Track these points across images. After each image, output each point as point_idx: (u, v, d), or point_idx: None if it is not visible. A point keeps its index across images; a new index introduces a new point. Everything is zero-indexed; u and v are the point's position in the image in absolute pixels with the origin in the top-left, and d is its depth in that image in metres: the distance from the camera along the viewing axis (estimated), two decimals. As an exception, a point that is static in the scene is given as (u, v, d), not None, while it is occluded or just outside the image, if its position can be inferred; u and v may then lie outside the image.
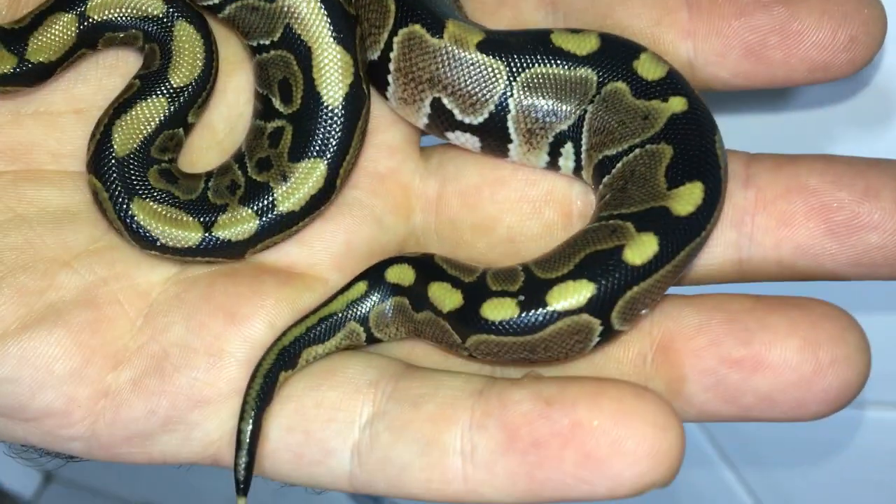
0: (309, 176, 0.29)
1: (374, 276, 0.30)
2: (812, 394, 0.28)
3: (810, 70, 0.28)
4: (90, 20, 0.29)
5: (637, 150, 0.29)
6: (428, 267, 0.30)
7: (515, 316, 0.28)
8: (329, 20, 0.28)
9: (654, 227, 0.28)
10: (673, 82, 0.29)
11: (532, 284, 0.28)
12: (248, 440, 0.28)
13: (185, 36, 0.29)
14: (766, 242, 0.30)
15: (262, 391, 0.28)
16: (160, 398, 0.31)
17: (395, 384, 0.30)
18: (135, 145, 0.29)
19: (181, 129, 0.30)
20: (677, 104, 0.28)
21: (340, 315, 0.30)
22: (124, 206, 0.29)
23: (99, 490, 1.17)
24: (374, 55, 0.30)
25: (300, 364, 0.30)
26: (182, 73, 0.29)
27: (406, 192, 0.32)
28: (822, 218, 0.29)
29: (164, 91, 0.29)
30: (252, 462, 0.29)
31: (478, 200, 0.32)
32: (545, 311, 0.28)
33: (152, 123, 0.29)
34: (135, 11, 0.29)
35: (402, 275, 0.30)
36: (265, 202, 0.29)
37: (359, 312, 0.30)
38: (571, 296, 0.28)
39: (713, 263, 0.30)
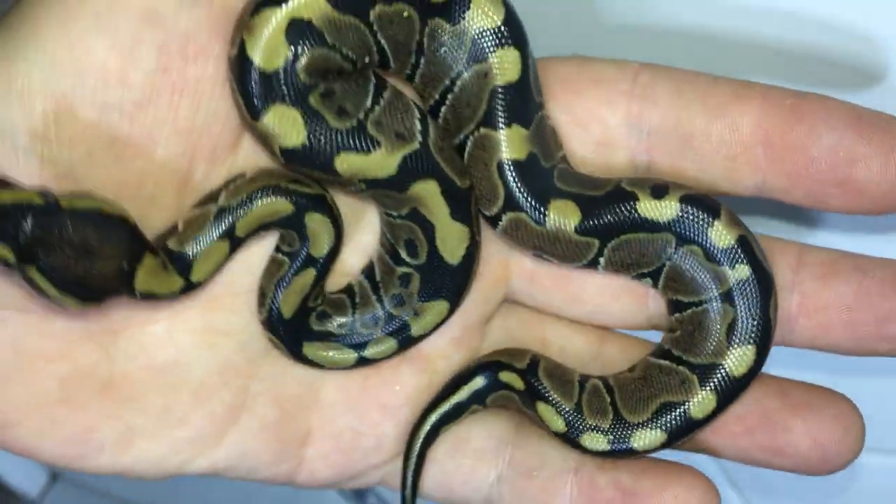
0: (435, 312, 0.37)
1: (489, 374, 0.38)
2: (816, 470, 0.37)
3: (859, 212, 0.33)
4: (238, 238, 0.34)
5: (705, 305, 0.34)
6: (535, 382, 0.37)
7: (607, 449, 0.36)
8: (447, 205, 0.33)
9: (715, 386, 0.35)
10: (741, 251, 0.33)
11: (619, 425, 0.36)
12: (412, 481, 0.39)
13: (315, 222, 0.34)
14: (803, 338, 0.36)
15: (415, 470, 0.38)
16: (342, 467, 0.40)
17: (511, 452, 0.39)
18: (296, 307, 0.36)
19: (317, 288, 0.37)
20: (742, 272, 0.33)
21: (465, 401, 0.38)
22: (300, 353, 0.37)
23: (104, 491, 1.18)
24: (489, 214, 0.35)
25: (439, 435, 0.39)
26: (319, 247, 0.35)
27: (506, 266, 0.39)
28: (852, 332, 0.35)
29: (310, 263, 0.35)
30: None
31: (566, 284, 0.38)
32: (629, 448, 0.36)
33: (307, 288, 0.36)
34: (271, 217, 0.34)
35: (513, 380, 0.37)
36: (402, 331, 0.37)
37: (478, 398, 0.38)
38: (649, 441, 0.36)
39: None
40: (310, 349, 0.37)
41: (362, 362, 0.38)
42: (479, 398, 0.38)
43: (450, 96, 0.33)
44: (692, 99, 0.34)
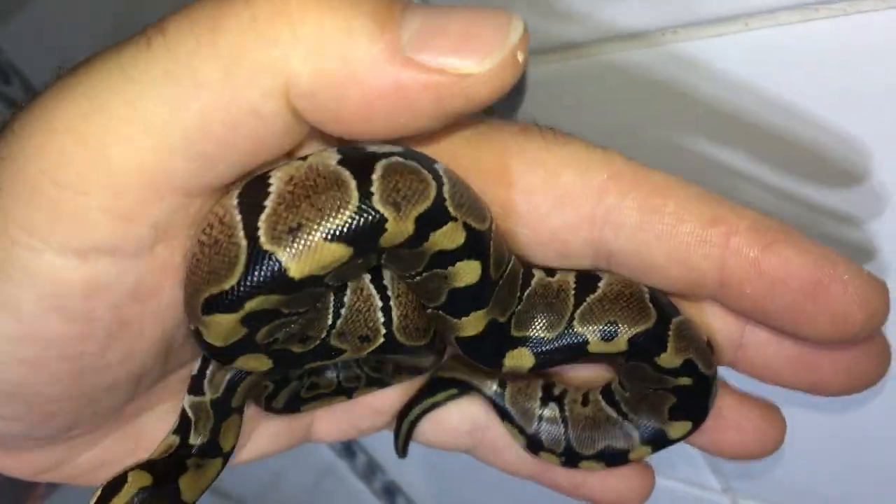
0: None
1: (462, 389, 0.44)
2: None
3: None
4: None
5: (651, 390, 0.38)
6: (502, 408, 0.43)
7: (561, 461, 0.42)
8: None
9: (651, 443, 0.40)
10: (686, 368, 0.36)
11: (571, 454, 0.42)
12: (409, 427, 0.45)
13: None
14: (747, 368, 0.38)
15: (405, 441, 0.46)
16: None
17: (482, 434, 0.45)
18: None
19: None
20: (685, 381, 0.37)
21: (441, 402, 0.45)
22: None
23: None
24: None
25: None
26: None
27: None
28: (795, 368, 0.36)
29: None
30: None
31: None
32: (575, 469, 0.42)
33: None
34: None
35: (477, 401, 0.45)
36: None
37: (452, 397, 0.45)
38: (592, 467, 0.42)
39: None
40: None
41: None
42: (452, 397, 0.45)
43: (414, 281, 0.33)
44: (657, 236, 0.32)
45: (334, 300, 0.33)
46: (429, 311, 0.34)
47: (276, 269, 0.28)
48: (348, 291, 0.33)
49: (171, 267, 0.31)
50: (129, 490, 0.32)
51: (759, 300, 0.32)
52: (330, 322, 0.33)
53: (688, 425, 0.39)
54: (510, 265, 0.33)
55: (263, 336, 0.31)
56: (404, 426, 0.45)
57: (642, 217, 0.32)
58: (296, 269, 0.28)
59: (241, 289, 0.28)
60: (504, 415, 0.43)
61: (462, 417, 0.46)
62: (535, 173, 0.33)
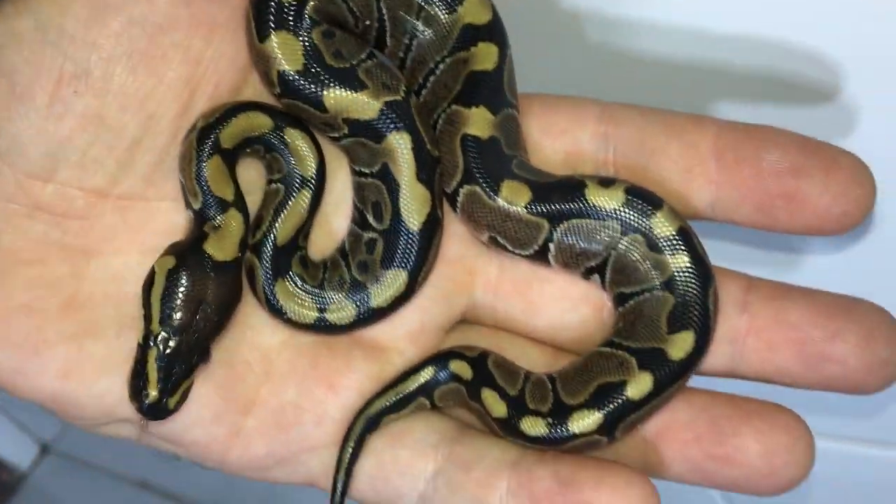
0: (394, 282, 0.37)
1: (440, 364, 0.38)
2: (766, 485, 0.36)
3: (807, 229, 0.35)
4: (227, 150, 0.35)
5: (647, 294, 0.36)
6: (483, 370, 0.38)
7: (546, 433, 0.37)
8: (416, 163, 0.35)
9: (652, 368, 0.36)
10: (681, 241, 0.35)
11: (558, 408, 0.37)
12: (340, 488, 0.37)
13: (296, 138, 0.35)
14: (752, 360, 0.37)
15: (353, 452, 0.38)
16: (278, 444, 0.39)
17: (451, 447, 0.38)
18: (290, 235, 0.36)
19: (311, 219, 0.37)
20: (681, 261, 0.35)
21: (412, 392, 0.38)
22: (272, 285, 0.36)
23: (95, 465, 1.20)
24: (448, 190, 0.37)
25: (380, 427, 0.38)
26: (306, 166, 0.36)
27: (471, 273, 0.39)
28: (798, 350, 0.36)
29: (304, 184, 0.36)
30: (343, 500, 0.38)
31: (527, 290, 0.39)
32: (567, 432, 0.36)
33: (304, 212, 0.36)
34: (253, 131, 0.35)
35: (462, 369, 0.38)
36: (362, 299, 0.37)
37: (426, 390, 0.38)
38: (586, 423, 0.36)
39: (710, 367, 0.38)
40: (281, 288, 0.36)
41: (321, 325, 0.37)
42: (426, 390, 0.38)
43: (431, 79, 0.36)
44: (654, 122, 0.37)
45: (371, 48, 0.36)
46: (437, 113, 0.35)
47: None
48: (380, 56, 0.36)
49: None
50: (159, 279, 0.33)
51: (751, 161, 0.35)
52: (364, 56, 0.35)
53: (689, 337, 0.35)
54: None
55: (313, 9, 0.34)
56: (350, 440, 0.38)
57: (641, 113, 0.37)
58: None
59: None
60: (485, 380, 0.38)
61: (427, 428, 0.39)
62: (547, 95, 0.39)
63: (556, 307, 0.39)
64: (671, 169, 0.36)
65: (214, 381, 0.37)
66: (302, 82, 0.34)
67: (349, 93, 0.34)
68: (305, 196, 0.36)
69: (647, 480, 0.35)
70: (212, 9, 0.35)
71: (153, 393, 0.33)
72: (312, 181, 0.36)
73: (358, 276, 0.37)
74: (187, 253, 0.34)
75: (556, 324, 0.39)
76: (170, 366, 0.33)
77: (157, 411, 0.33)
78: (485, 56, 0.35)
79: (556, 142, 0.38)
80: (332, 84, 0.34)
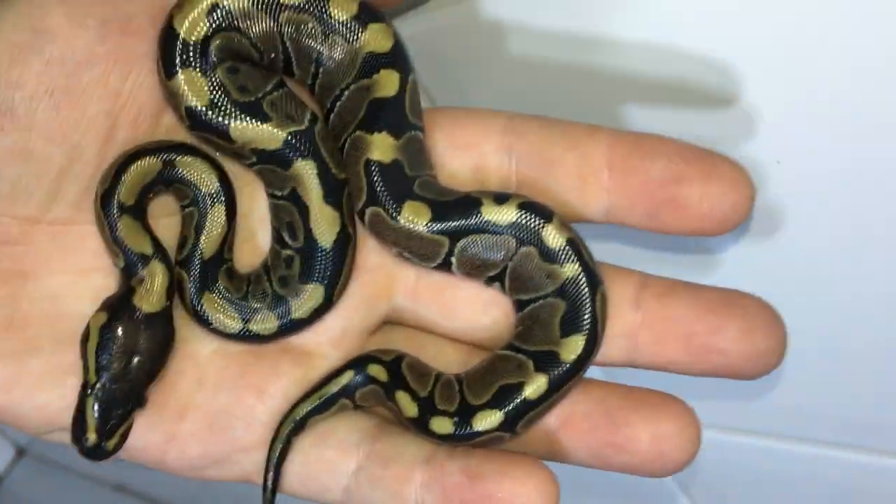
0: (313, 295, 0.39)
1: (358, 367, 0.41)
2: (656, 468, 0.40)
3: (692, 231, 0.38)
4: (130, 207, 0.38)
5: (542, 301, 0.39)
6: (397, 373, 0.40)
7: (452, 432, 0.40)
8: (322, 188, 0.37)
9: (546, 370, 0.39)
10: (569, 251, 0.38)
11: (464, 408, 0.40)
12: (270, 486, 0.40)
13: (188, 165, 0.38)
14: (646, 353, 0.40)
15: (281, 452, 0.40)
16: (212, 446, 0.42)
17: (371, 445, 0.41)
18: (216, 248, 0.39)
19: (231, 230, 0.40)
20: (570, 270, 0.38)
21: (335, 394, 0.41)
22: (199, 297, 0.39)
23: (71, 468, 1.20)
24: (357, 209, 0.39)
25: (307, 427, 0.41)
26: (209, 184, 0.38)
27: (391, 279, 0.42)
28: (685, 343, 0.39)
29: (213, 199, 0.38)
30: (273, 499, 0.41)
31: (442, 294, 0.42)
32: (471, 431, 0.39)
33: (223, 225, 0.38)
34: (148, 177, 0.38)
35: (378, 372, 0.41)
36: (284, 311, 0.40)
37: (347, 392, 0.41)
38: (489, 422, 0.39)
39: (609, 359, 0.41)
40: (207, 300, 0.39)
41: (246, 335, 0.40)
42: (347, 392, 0.41)
43: (338, 104, 0.38)
44: (554, 133, 0.39)
45: (277, 81, 0.38)
46: (344, 138, 0.37)
47: None
48: (287, 87, 0.38)
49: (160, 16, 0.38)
50: (93, 334, 0.36)
51: (640, 170, 0.38)
52: (268, 89, 0.38)
53: (580, 340, 0.38)
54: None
55: (217, 48, 0.36)
56: (283, 432, 0.40)
57: (542, 125, 0.40)
58: None
59: None
60: (399, 382, 0.40)
61: (349, 428, 0.42)
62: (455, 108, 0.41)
63: (469, 310, 0.42)
64: (568, 179, 0.39)
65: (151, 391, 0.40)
66: (209, 116, 0.37)
67: (254, 124, 0.37)
68: (219, 210, 0.38)
69: (546, 470, 0.38)
70: (128, 43, 0.37)
71: (92, 437, 0.36)
72: (220, 194, 0.38)
73: (279, 289, 0.39)
74: (118, 308, 0.37)
75: (471, 325, 0.42)
76: (106, 412, 0.36)
77: (96, 453, 0.36)
78: (386, 83, 0.37)
79: (463, 156, 0.40)
80: (237, 117, 0.37)
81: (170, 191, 0.39)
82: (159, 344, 0.37)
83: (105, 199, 0.37)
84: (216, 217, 0.38)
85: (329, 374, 0.41)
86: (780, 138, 0.41)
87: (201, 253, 0.38)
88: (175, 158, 0.38)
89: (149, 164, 0.37)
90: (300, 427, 0.40)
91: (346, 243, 0.38)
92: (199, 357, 0.41)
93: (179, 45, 0.36)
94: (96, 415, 0.36)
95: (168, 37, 0.36)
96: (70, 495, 1.21)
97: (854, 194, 0.40)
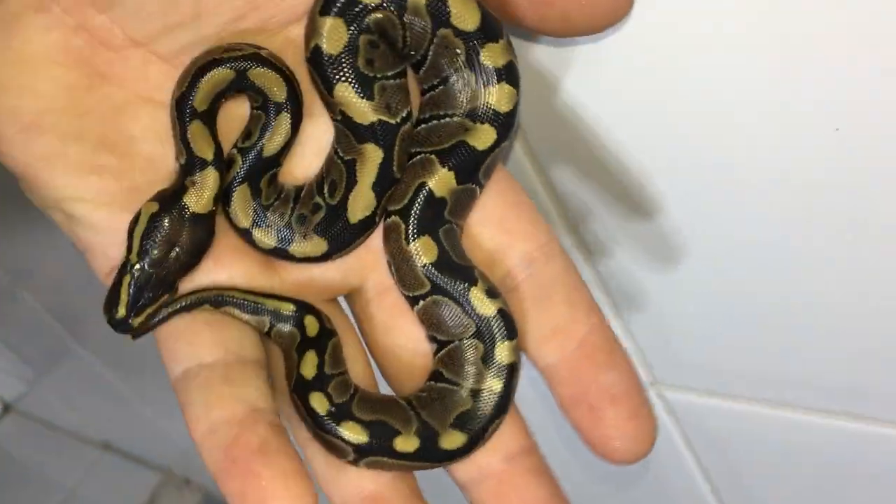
0: (316, 247, 0.41)
1: (302, 310, 0.40)
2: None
3: (594, 444, 0.37)
4: (203, 112, 0.39)
5: (455, 389, 0.39)
6: (321, 340, 0.39)
7: (322, 412, 0.38)
8: (376, 176, 0.39)
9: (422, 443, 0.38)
10: (504, 372, 0.39)
11: (343, 409, 0.38)
12: (157, 320, 0.39)
13: (259, 76, 0.38)
14: None
15: (185, 306, 0.39)
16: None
17: (235, 360, 0.38)
18: (277, 149, 0.40)
19: (294, 138, 0.40)
20: (494, 385, 0.39)
21: (266, 311, 0.40)
22: (238, 185, 0.40)
23: (57, 426, 1.21)
24: (389, 207, 0.39)
25: (220, 309, 0.40)
26: (277, 94, 0.39)
27: (376, 264, 0.41)
28: None
29: (279, 108, 0.39)
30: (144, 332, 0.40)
31: (398, 312, 0.41)
32: (335, 429, 0.38)
33: (286, 131, 0.39)
34: (222, 85, 0.38)
35: (311, 326, 0.40)
36: (285, 239, 0.41)
37: (277, 318, 0.40)
38: (350, 431, 0.38)
39: None
40: (242, 191, 0.40)
41: (246, 234, 0.40)
42: (277, 318, 0.40)
43: (436, 122, 0.39)
44: (564, 287, 0.39)
45: (401, 72, 0.38)
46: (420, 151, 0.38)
47: None
48: (406, 84, 0.38)
49: None
50: (143, 220, 0.38)
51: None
52: (389, 74, 0.38)
53: (460, 437, 0.37)
54: None
55: (373, 21, 0.37)
56: (194, 297, 0.39)
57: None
58: None
59: None
60: (317, 346, 0.40)
61: (239, 333, 0.39)
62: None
63: (402, 342, 0.41)
64: (541, 321, 0.39)
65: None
66: (327, 65, 0.38)
67: (356, 97, 0.38)
68: (285, 118, 0.39)
69: (308, 483, 0.35)
70: None
71: (122, 311, 0.38)
72: (287, 104, 0.39)
73: (294, 222, 0.40)
74: (169, 202, 0.39)
75: (393, 355, 0.41)
76: (139, 292, 0.39)
77: (122, 327, 0.38)
78: (483, 136, 0.37)
79: (496, 235, 0.40)
80: (348, 81, 0.38)
81: (244, 94, 0.40)
82: (199, 243, 0.40)
83: (180, 102, 0.38)
84: (281, 123, 0.39)
85: (275, 294, 0.40)
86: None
87: (260, 148, 0.40)
88: (248, 68, 0.39)
89: (223, 73, 0.38)
90: (218, 304, 0.40)
91: (367, 226, 0.39)
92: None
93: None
94: (130, 292, 0.38)
95: None
96: (56, 452, 1.21)
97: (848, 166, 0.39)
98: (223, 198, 0.40)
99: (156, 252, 0.39)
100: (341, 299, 0.42)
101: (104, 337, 0.66)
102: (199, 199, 0.39)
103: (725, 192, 0.39)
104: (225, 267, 0.40)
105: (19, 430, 1.22)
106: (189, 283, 0.39)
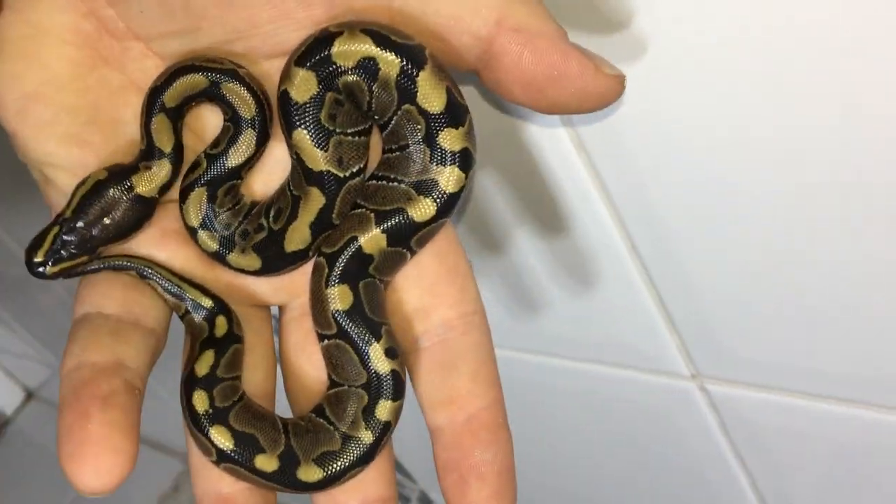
0: (251, 263, 0.43)
1: (219, 308, 0.41)
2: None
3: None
4: (171, 108, 0.41)
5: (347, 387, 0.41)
6: (224, 343, 0.41)
7: (201, 410, 0.39)
8: (315, 217, 0.41)
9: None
10: (378, 429, 0.40)
11: (222, 413, 0.39)
12: (84, 270, 0.41)
13: (231, 91, 0.40)
14: None
15: (113, 266, 0.41)
16: None
17: (133, 321, 0.39)
18: (240, 162, 0.42)
19: (258, 154, 0.42)
20: (365, 437, 0.41)
21: (185, 300, 0.41)
22: (198, 188, 0.41)
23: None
24: (322, 249, 0.41)
25: (144, 278, 0.41)
26: (247, 111, 0.41)
27: (303, 283, 0.42)
28: None
29: (248, 125, 0.41)
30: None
31: (310, 341, 0.42)
32: (205, 430, 0.39)
33: (251, 146, 0.41)
34: (193, 90, 0.40)
35: (220, 326, 0.41)
36: (225, 248, 0.43)
37: (193, 309, 0.41)
38: (219, 435, 0.39)
39: None
40: (198, 195, 0.41)
41: (192, 233, 0.41)
42: (193, 309, 0.41)
43: (386, 184, 0.40)
44: (472, 361, 0.40)
45: (364, 131, 0.39)
46: (362, 204, 0.40)
47: None
48: (367, 142, 0.40)
49: None
50: (89, 182, 0.40)
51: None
52: (349, 132, 0.39)
53: (318, 474, 0.39)
54: None
55: (343, 82, 0.38)
56: (121, 261, 0.41)
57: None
58: None
59: None
60: (217, 347, 0.41)
61: (151, 303, 0.40)
62: None
63: (310, 367, 0.42)
64: (434, 383, 0.40)
65: None
66: (291, 111, 0.39)
67: (310, 144, 0.39)
68: (251, 135, 0.41)
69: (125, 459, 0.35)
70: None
71: (39, 257, 0.40)
72: (254, 123, 0.41)
73: (237, 235, 0.42)
74: (119, 175, 0.41)
75: (297, 373, 0.42)
76: (63, 246, 0.41)
77: (35, 271, 0.40)
78: (423, 209, 0.39)
79: (422, 296, 0.41)
80: (307, 129, 0.39)
81: (215, 104, 0.42)
82: (131, 222, 0.42)
83: (152, 93, 0.40)
84: (246, 139, 0.41)
85: (200, 285, 0.42)
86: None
87: (224, 159, 0.42)
88: (222, 81, 0.41)
89: (197, 79, 0.40)
90: (141, 275, 0.41)
91: (299, 258, 0.41)
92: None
93: (323, 55, 0.38)
94: (52, 243, 0.41)
95: (320, 42, 0.38)
96: (78, 439, 1.21)
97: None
98: (181, 195, 0.41)
99: (89, 215, 0.41)
100: (276, 311, 0.43)
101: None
102: (146, 183, 0.41)
103: (777, 182, 0.38)
104: (167, 249, 0.41)
105: (42, 417, 1.22)
106: (122, 251, 0.41)
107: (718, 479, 0.56)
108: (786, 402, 0.49)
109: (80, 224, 0.41)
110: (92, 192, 0.41)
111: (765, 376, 0.49)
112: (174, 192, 0.41)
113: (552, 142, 0.44)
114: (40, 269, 0.40)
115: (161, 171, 0.41)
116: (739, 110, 0.37)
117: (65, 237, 0.41)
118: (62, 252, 0.41)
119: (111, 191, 0.41)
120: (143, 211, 0.41)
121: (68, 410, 0.34)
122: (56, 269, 0.40)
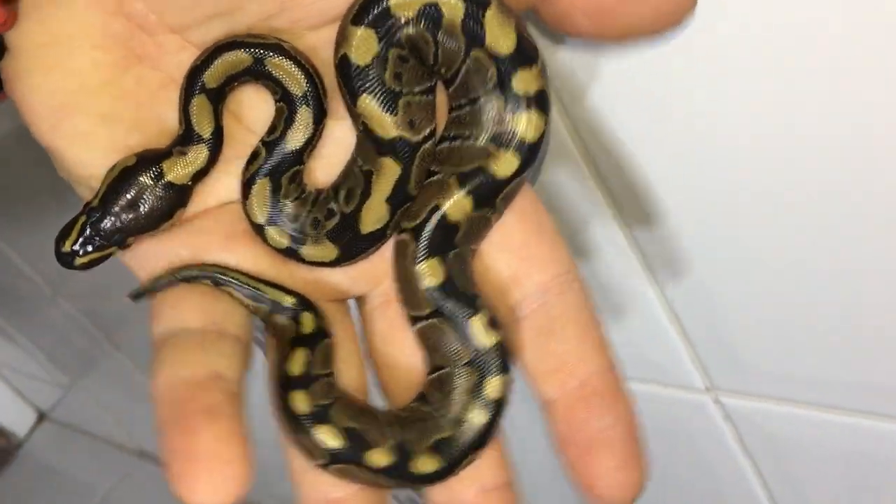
0: (327, 252, 0.41)
1: (303, 306, 0.39)
2: None
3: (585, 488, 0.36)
4: (212, 89, 0.39)
5: (438, 414, 0.39)
6: (313, 339, 0.38)
7: (301, 413, 0.37)
8: (391, 191, 0.38)
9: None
10: (493, 408, 0.38)
11: (323, 412, 0.37)
12: (157, 287, 0.39)
13: (276, 66, 0.38)
14: None
15: (186, 278, 0.39)
16: None
17: (218, 340, 0.37)
18: (300, 144, 0.39)
19: (317, 133, 0.39)
20: (477, 417, 0.38)
21: (267, 301, 0.39)
22: (262, 178, 0.39)
23: (92, 433, 1.20)
24: (402, 225, 0.38)
25: (220, 287, 0.39)
26: (297, 85, 0.38)
27: (385, 274, 0.40)
28: None
29: (300, 101, 0.39)
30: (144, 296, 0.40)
31: (399, 325, 0.39)
32: (311, 431, 0.37)
33: (310, 127, 0.39)
34: (236, 68, 0.38)
35: (307, 323, 0.39)
36: (297, 241, 0.40)
37: (275, 309, 0.39)
38: (326, 434, 0.37)
39: None
40: (262, 185, 0.39)
41: (259, 230, 0.39)
42: (275, 309, 0.39)
43: (459, 142, 0.38)
44: (577, 320, 0.38)
45: (430, 88, 0.37)
46: (440, 171, 0.37)
47: None
48: (435, 99, 0.38)
49: None
50: (117, 169, 0.38)
51: None
52: (415, 90, 0.37)
53: (435, 464, 0.37)
54: None
55: (405, 36, 0.36)
56: (194, 271, 0.39)
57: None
58: None
59: None
60: (308, 344, 0.39)
61: (230, 307, 0.39)
62: None
63: (402, 354, 0.40)
64: (545, 362, 0.38)
65: None
66: (353, 75, 0.37)
67: (379, 110, 0.37)
68: (306, 112, 0.39)
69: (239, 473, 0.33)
70: None
71: (67, 246, 0.39)
72: (307, 98, 0.38)
73: (307, 225, 0.39)
74: (148, 162, 0.39)
75: (389, 363, 0.40)
76: (91, 237, 0.39)
77: (65, 261, 0.39)
78: (505, 164, 0.36)
79: (512, 262, 0.39)
80: (372, 93, 0.37)
81: (261, 84, 0.39)
82: (162, 210, 0.39)
83: (192, 73, 0.38)
84: (302, 118, 0.39)
85: (279, 284, 0.40)
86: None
87: (285, 143, 0.39)
88: (266, 56, 0.38)
89: (240, 56, 0.38)
90: (216, 283, 0.39)
91: (378, 239, 0.39)
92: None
93: (380, 9, 0.35)
94: (80, 233, 0.39)
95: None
96: (90, 460, 1.21)
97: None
98: (242, 191, 0.39)
99: (118, 205, 0.39)
100: (352, 302, 0.41)
101: (140, 342, 0.65)
102: (179, 169, 0.39)
103: (790, 193, 0.38)
104: (236, 252, 0.39)
105: (54, 439, 1.22)
106: (192, 260, 0.39)
107: (734, 491, 0.56)
108: (800, 414, 0.49)
109: (107, 213, 0.39)
110: (119, 179, 0.39)
111: (779, 388, 0.49)
112: (229, 193, 0.39)
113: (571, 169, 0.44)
114: (70, 262, 0.39)
115: (198, 157, 0.39)
116: (735, 119, 0.37)
117: (92, 226, 0.39)
118: (90, 242, 0.39)
119: (140, 178, 0.39)
120: (175, 199, 0.39)
121: (172, 430, 0.33)
122: (85, 260, 0.39)
